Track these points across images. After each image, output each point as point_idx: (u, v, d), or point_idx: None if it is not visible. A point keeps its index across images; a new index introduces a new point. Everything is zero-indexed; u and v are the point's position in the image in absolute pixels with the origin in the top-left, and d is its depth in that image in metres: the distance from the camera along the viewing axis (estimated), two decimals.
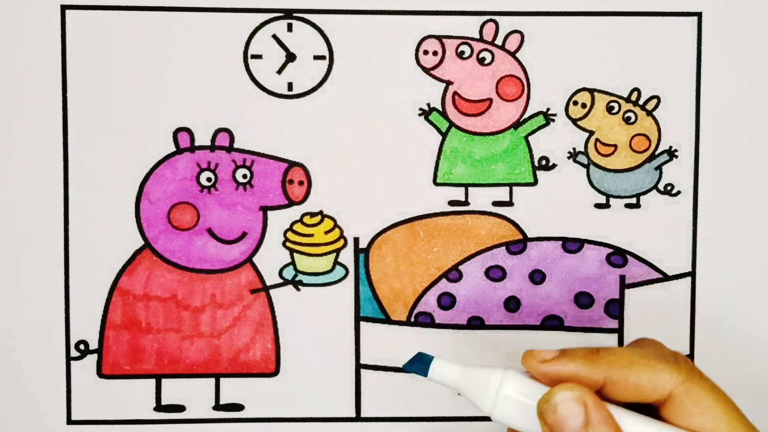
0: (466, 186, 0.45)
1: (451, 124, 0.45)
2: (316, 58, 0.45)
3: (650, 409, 0.35)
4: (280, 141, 0.45)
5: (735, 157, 0.46)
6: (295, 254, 0.45)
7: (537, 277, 0.46)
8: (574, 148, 0.46)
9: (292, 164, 0.45)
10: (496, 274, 0.46)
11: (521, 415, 0.34)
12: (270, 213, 0.45)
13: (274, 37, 0.45)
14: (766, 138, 0.46)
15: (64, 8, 0.44)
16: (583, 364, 0.34)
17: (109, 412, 0.45)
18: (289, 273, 0.45)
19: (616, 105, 0.45)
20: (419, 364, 0.37)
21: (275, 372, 0.45)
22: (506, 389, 0.34)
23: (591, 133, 0.46)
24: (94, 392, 0.45)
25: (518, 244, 0.46)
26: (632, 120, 0.45)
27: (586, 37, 0.45)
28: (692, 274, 0.46)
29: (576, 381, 0.34)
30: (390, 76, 0.45)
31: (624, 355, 0.34)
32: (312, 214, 0.45)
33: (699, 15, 0.45)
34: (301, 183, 0.45)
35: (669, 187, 0.46)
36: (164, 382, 0.45)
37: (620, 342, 0.46)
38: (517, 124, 0.45)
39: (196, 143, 0.45)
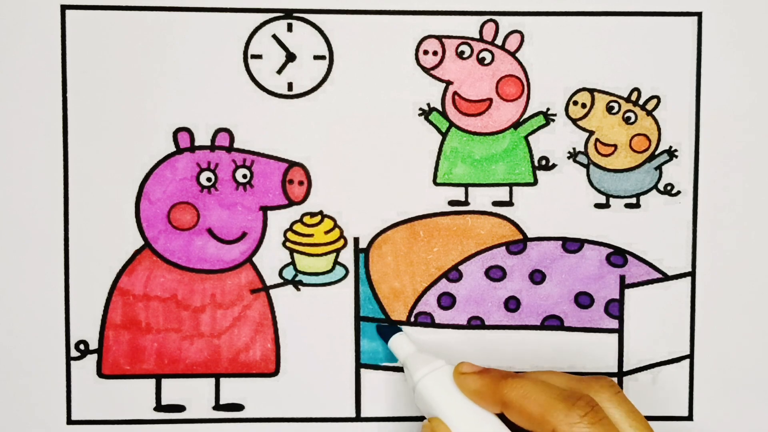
0: (466, 186, 0.45)
1: (451, 124, 0.45)
2: (316, 58, 0.45)
3: None
4: (280, 141, 0.45)
5: (735, 157, 0.46)
6: (295, 254, 0.45)
7: (537, 277, 0.46)
8: (574, 148, 0.46)
9: (292, 164, 0.45)
10: (496, 274, 0.46)
11: (426, 411, 0.40)
12: (270, 213, 0.45)
13: (274, 37, 0.45)
14: (766, 138, 0.46)
15: (64, 8, 0.44)
16: (487, 384, 0.38)
17: (109, 412, 0.45)
18: (289, 273, 0.45)
19: (616, 105, 0.45)
20: (387, 331, 0.44)
21: (275, 372, 0.45)
22: (420, 386, 0.40)
23: (591, 133, 0.46)
24: (94, 392, 0.45)
25: (518, 244, 0.46)
26: (632, 120, 0.45)
27: (586, 37, 0.45)
28: (692, 274, 0.46)
29: (481, 397, 0.38)
30: (390, 76, 0.45)
31: (527, 384, 0.37)
32: (312, 214, 0.45)
33: (699, 15, 0.45)
34: (301, 183, 0.45)
35: (669, 187, 0.46)
36: (164, 382, 0.45)
37: (620, 342, 0.46)
38: (517, 124, 0.45)
39: (196, 143, 0.45)
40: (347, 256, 0.45)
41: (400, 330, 0.44)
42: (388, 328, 0.44)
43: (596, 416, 0.36)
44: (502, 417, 0.38)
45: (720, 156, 0.46)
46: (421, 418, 0.46)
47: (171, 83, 0.44)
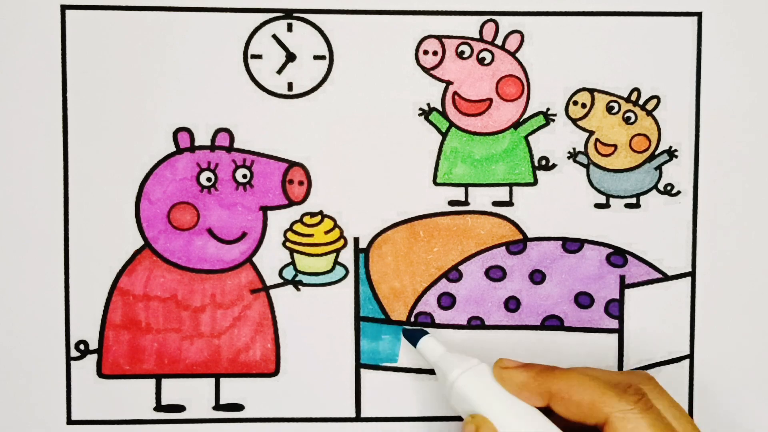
0: (466, 186, 0.45)
1: (451, 124, 0.45)
2: (316, 58, 0.45)
3: None
4: (280, 141, 0.45)
5: (735, 157, 0.46)
6: (295, 254, 0.45)
7: (537, 277, 0.46)
8: (574, 148, 0.46)
9: (292, 164, 0.45)
10: (496, 274, 0.46)
11: (465, 409, 0.39)
12: (270, 213, 0.45)
13: (274, 37, 0.45)
14: (766, 138, 0.46)
15: (64, 8, 0.44)
16: (533, 376, 0.38)
17: (109, 412, 0.45)
18: (289, 273, 0.45)
19: (616, 105, 0.45)
20: (414, 334, 0.43)
21: (275, 372, 0.45)
22: (459, 384, 0.39)
23: (591, 133, 0.46)
24: (94, 392, 0.45)
25: (518, 244, 0.46)
26: (632, 120, 0.45)
27: (586, 37, 0.45)
28: (692, 274, 0.46)
29: (526, 390, 0.38)
30: (390, 76, 0.45)
31: (575, 375, 0.37)
32: (312, 214, 0.45)
33: (699, 15, 0.45)
34: (301, 183, 0.45)
35: (669, 187, 0.46)
36: (164, 382, 0.45)
37: (620, 342, 0.46)
38: (517, 124, 0.45)
39: (196, 143, 0.45)
40: (347, 256, 0.45)
41: (427, 332, 0.43)
42: (414, 331, 0.44)
43: (647, 403, 0.36)
44: (543, 411, 0.38)
45: (720, 156, 0.46)
46: (420, 419, 0.46)
47: (171, 83, 0.44)
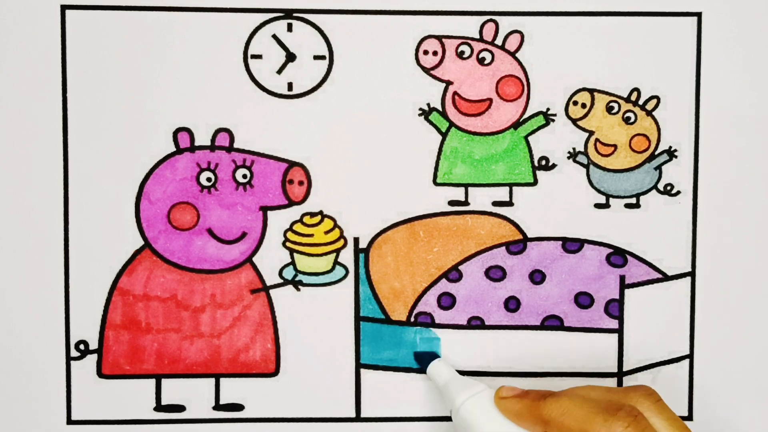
0: (466, 186, 0.45)
1: (451, 124, 0.45)
2: (316, 58, 0.45)
3: None
4: (280, 141, 0.45)
5: (735, 157, 0.46)
6: (295, 254, 0.45)
7: (537, 277, 0.46)
8: (574, 148, 0.46)
9: (292, 164, 0.45)
10: (496, 274, 0.46)
11: None
12: (270, 213, 0.45)
13: (274, 37, 0.45)
14: (766, 138, 0.46)
15: (64, 8, 0.44)
16: (527, 406, 0.39)
17: (109, 412, 0.45)
18: (289, 273, 0.45)
19: (615, 105, 0.45)
20: (425, 357, 0.45)
21: (275, 372, 0.45)
22: (462, 411, 0.41)
23: (591, 133, 0.46)
24: (94, 392, 0.45)
25: (518, 244, 0.46)
26: (632, 120, 0.46)
27: (586, 37, 0.45)
28: (692, 274, 0.46)
29: (523, 419, 0.39)
30: (390, 76, 0.45)
31: (564, 402, 0.38)
32: (312, 214, 0.45)
33: (699, 15, 0.45)
34: (301, 183, 0.45)
35: (669, 187, 0.46)
36: (164, 382, 0.45)
37: (620, 342, 0.46)
38: (517, 124, 0.45)
39: (196, 143, 0.45)
40: (347, 256, 0.45)
41: (438, 356, 0.45)
42: (425, 354, 0.45)
43: (639, 426, 0.35)
44: None
45: (720, 156, 0.46)
46: (420, 419, 0.46)
47: (171, 83, 0.44)
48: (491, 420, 0.40)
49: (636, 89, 0.45)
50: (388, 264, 0.45)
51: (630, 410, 0.36)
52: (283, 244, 0.45)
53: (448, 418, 0.46)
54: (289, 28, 0.45)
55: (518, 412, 0.39)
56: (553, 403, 0.38)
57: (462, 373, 0.45)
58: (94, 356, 0.45)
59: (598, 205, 0.46)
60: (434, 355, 0.45)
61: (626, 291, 0.46)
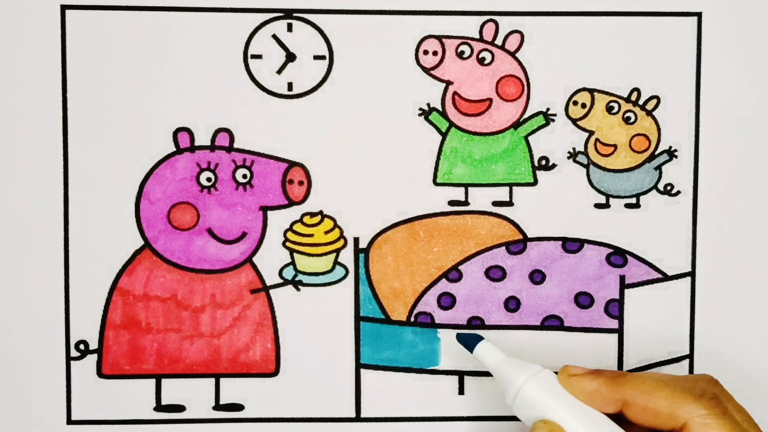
0: (466, 186, 0.45)
1: (451, 124, 0.45)
2: (316, 58, 0.45)
3: None
4: (280, 141, 0.45)
5: (735, 157, 0.46)
6: (295, 254, 0.45)
7: (537, 277, 0.46)
8: (573, 148, 0.46)
9: (292, 164, 0.45)
10: (496, 274, 0.46)
11: (532, 416, 0.38)
12: (270, 213, 0.45)
13: (274, 37, 0.45)
14: (766, 138, 0.46)
15: (64, 8, 0.44)
16: (605, 383, 0.37)
17: (109, 412, 0.45)
18: (289, 273, 0.45)
19: (615, 105, 0.45)
20: (470, 339, 0.41)
21: (275, 372, 0.45)
22: (526, 390, 0.38)
23: (591, 133, 0.46)
24: (94, 392, 0.45)
25: (518, 244, 0.46)
26: (632, 120, 0.45)
27: (586, 37, 0.45)
28: (692, 274, 0.46)
29: (597, 398, 0.37)
30: (390, 76, 0.45)
31: (648, 381, 0.37)
32: (312, 214, 0.45)
33: (699, 15, 0.45)
34: (301, 183, 0.45)
35: (669, 187, 0.46)
36: (164, 382, 0.45)
37: (620, 341, 0.46)
38: (517, 124, 0.45)
39: (196, 143, 0.45)
40: (347, 256, 0.45)
41: (483, 338, 0.41)
42: (470, 336, 0.42)
43: (723, 408, 0.35)
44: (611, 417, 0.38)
45: (720, 156, 0.46)
46: (420, 419, 0.46)
47: (171, 83, 0.44)
48: (560, 399, 0.38)
49: (636, 89, 0.45)
50: (388, 264, 0.45)
51: (713, 394, 0.36)
52: (283, 244, 0.45)
53: (449, 418, 0.46)
54: (289, 28, 0.45)
55: (593, 391, 0.38)
56: (637, 382, 0.37)
57: (463, 373, 0.45)
58: (94, 356, 0.45)
59: (598, 205, 0.46)
60: (479, 337, 0.41)
61: (626, 291, 0.46)
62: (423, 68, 0.45)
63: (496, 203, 0.46)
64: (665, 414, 0.36)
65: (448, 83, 0.45)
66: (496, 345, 0.41)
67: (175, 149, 0.45)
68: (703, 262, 0.46)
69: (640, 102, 0.45)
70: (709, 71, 0.45)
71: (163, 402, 0.45)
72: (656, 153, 0.46)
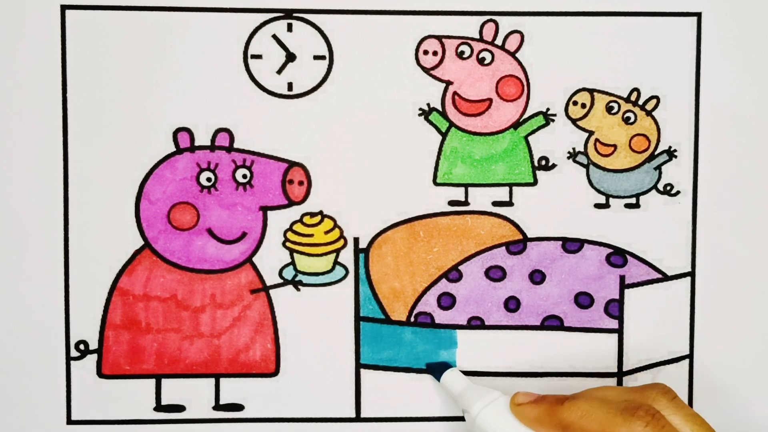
0: (466, 186, 0.45)
1: (451, 124, 0.45)
2: (316, 58, 0.45)
3: None
4: (280, 141, 0.45)
5: (735, 157, 0.46)
6: (295, 254, 0.45)
7: (537, 277, 0.46)
8: (573, 148, 0.46)
9: (292, 164, 0.45)
10: (496, 274, 0.46)
11: None
12: (270, 213, 0.45)
13: (274, 37, 0.45)
14: (766, 138, 0.46)
15: (64, 8, 0.44)
16: (545, 410, 0.39)
17: (109, 412, 0.45)
18: (289, 273, 0.45)
19: (615, 105, 0.45)
20: (436, 369, 0.45)
21: (275, 372, 0.45)
22: (479, 419, 0.41)
23: (591, 133, 0.46)
24: (94, 392, 0.45)
25: (518, 244, 0.46)
26: (632, 120, 0.46)
27: (586, 37, 0.45)
28: (692, 274, 0.46)
29: (540, 424, 0.39)
30: (390, 76, 0.45)
31: (581, 405, 0.37)
32: (312, 214, 0.45)
33: (699, 15, 0.45)
34: (301, 183, 0.45)
35: (668, 187, 0.46)
36: (164, 382, 0.45)
37: (620, 341, 0.46)
38: (517, 124, 0.45)
39: (196, 143, 0.45)
40: (347, 256, 0.45)
41: (451, 366, 0.45)
42: (438, 365, 0.45)
43: (658, 424, 0.35)
44: None
45: (720, 156, 0.46)
46: (420, 419, 0.46)
47: (171, 83, 0.44)
48: (509, 427, 0.40)
49: (636, 89, 0.45)
50: (388, 264, 0.45)
51: (648, 409, 0.36)
52: (283, 244, 0.45)
53: (449, 418, 0.46)
54: (289, 28, 0.45)
55: (536, 418, 0.39)
56: (571, 407, 0.38)
57: (461, 374, 0.45)
58: (94, 356, 0.45)
59: (598, 205, 0.46)
60: (447, 365, 0.45)
61: (626, 291, 0.46)
62: (423, 68, 0.45)
63: (496, 203, 0.46)
64: None
65: (448, 83, 0.45)
66: (461, 374, 0.44)
67: (175, 149, 0.45)
68: (703, 262, 0.46)
69: (640, 102, 0.45)
70: (709, 71, 0.45)
71: (163, 402, 0.45)
72: (656, 153, 0.46)
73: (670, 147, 0.46)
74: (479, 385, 0.43)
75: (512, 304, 0.46)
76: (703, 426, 0.37)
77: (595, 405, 0.37)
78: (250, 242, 0.45)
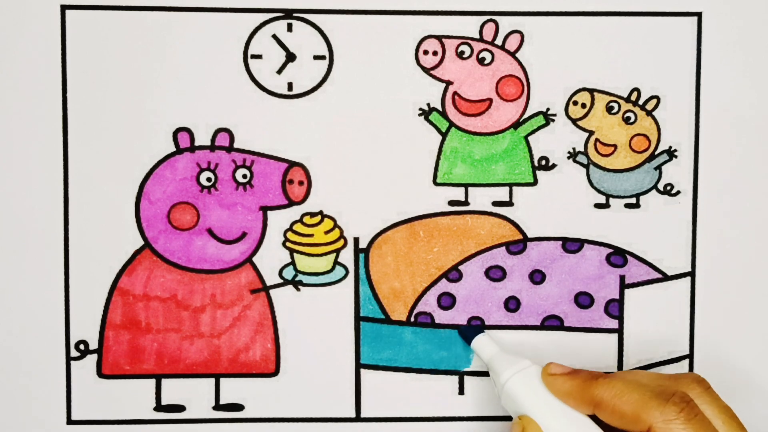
0: (466, 186, 0.45)
1: (451, 124, 0.45)
2: (316, 58, 0.45)
3: None
4: (280, 141, 0.45)
5: (735, 157, 0.46)
6: (295, 254, 0.45)
7: (537, 277, 0.46)
8: (573, 148, 0.46)
9: (292, 164, 0.45)
10: (496, 274, 0.46)
11: (514, 410, 0.40)
12: (270, 213, 0.45)
13: (274, 37, 0.45)
14: (766, 138, 0.46)
15: (64, 8, 0.44)
16: (578, 384, 0.38)
17: (109, 412, 0.45)
18: (289, 273, 0.45)
19: (615, 105, 0.45)
20: (469, 332, 0.44)
21: (275, 372, 0.45)
22: (509, 386, 0.40)
23: (591, 133, 0.46)
24: (94, 392, 0.45)
25: (518, 244, 0.46)
26: (632, 120, 0.46)
27: (586, 37, 0.45)
28: (692, 274, 0.46)
29: (572, 398, 0.38)
30: (390, 76, 0.45)
31: (618, 383, 0.37)
32: (312, 214, 0.45)
33: (699, 15, 0.45)
34: (301, 183, 0.45)
35: (669, 187, 0.46)
36: (164, 382, 0.45)
37: (620, 341, 0.46)
38: (517, 124, 0.45)
39: (196, 143, 0.45)
40: (347, 256, 0.45)
41: (483, 331, 0.44)
42: (470, 329, 0.44)
43: (692, 412, 0.35)
44: (592, 418, 0.38)
45: (720, 156, 0.46)
46: (420, 419, 0.46)
47: (171, 83, 0.44)
48: (538, 397, 0.39)
49: (636, 89, 0.45)
50: (388, 264, 0.45)
51: (683, 396, 0.36)
52: (283, 244, 0.45)
53: (449, 419, 0.46)
54: (289, 28, 0.45)
55: (568, 392, 0.38)
56: (606, 385, 0.37)
57: (463, 373, 0.45)
58: (94, 356, 0.45)
59: (598, 205, 0.46)
60: (479, 330, 0.44)
61: (626, 291, 0.46)
62: (423, 68, 0.45)
63: (496, 203, 0.46)
64: (630, 417, 0.36)
65: (448, 83, 0.45)
66: (494, 339, 0.43)
67: (175, 149, 0.45)
68: (703, 262, 0.46)
69: (640, 102, 0.45)
70: (709, 71, 0.45)
71: (163, 402, 0.45)
72: (656, 153, 0.46)
73: (670, 147, 0.46)
74: (512, 352, 0.42)
75: (512, 304, 0.46)
76: (734, 419, 0.37)
77: (630, 386, 0.37)
78: (250, 242, 0.45)
